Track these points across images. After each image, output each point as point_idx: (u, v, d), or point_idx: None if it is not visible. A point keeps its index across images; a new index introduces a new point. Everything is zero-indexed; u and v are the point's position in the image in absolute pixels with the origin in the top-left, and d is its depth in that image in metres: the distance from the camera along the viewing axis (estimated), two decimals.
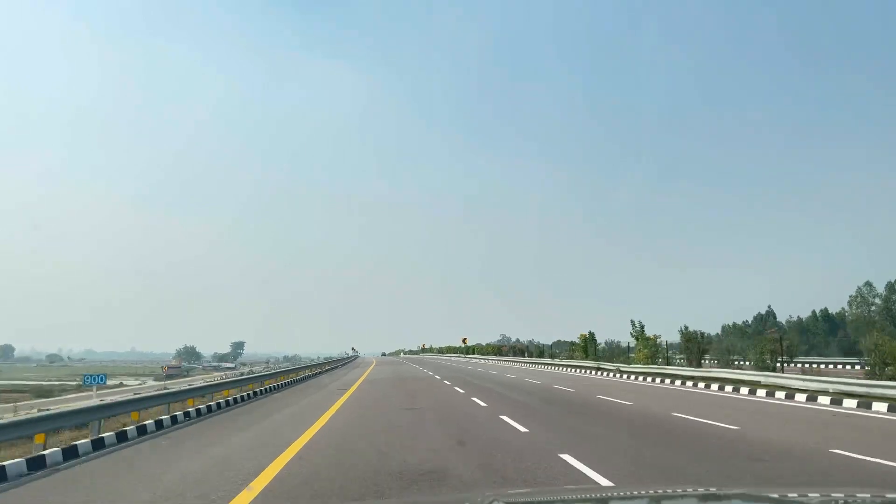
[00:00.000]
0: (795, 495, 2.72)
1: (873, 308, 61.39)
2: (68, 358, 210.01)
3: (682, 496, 2.87)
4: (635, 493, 3.25)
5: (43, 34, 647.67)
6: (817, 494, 2.94)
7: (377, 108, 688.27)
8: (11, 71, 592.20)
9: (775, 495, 2.72)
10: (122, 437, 11.94)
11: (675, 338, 30.35)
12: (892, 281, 60.68)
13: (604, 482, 7.14)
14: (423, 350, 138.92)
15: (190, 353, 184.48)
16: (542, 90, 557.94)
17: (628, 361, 33.04)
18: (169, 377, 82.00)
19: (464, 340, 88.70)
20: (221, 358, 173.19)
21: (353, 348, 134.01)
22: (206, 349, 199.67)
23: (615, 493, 3.52)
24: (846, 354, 48.49)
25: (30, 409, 23.39)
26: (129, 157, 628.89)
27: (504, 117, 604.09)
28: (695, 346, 26.22)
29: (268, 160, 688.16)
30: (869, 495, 2.55)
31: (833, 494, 3.00)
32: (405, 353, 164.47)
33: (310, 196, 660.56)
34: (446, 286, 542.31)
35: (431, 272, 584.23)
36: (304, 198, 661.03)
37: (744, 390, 21.19)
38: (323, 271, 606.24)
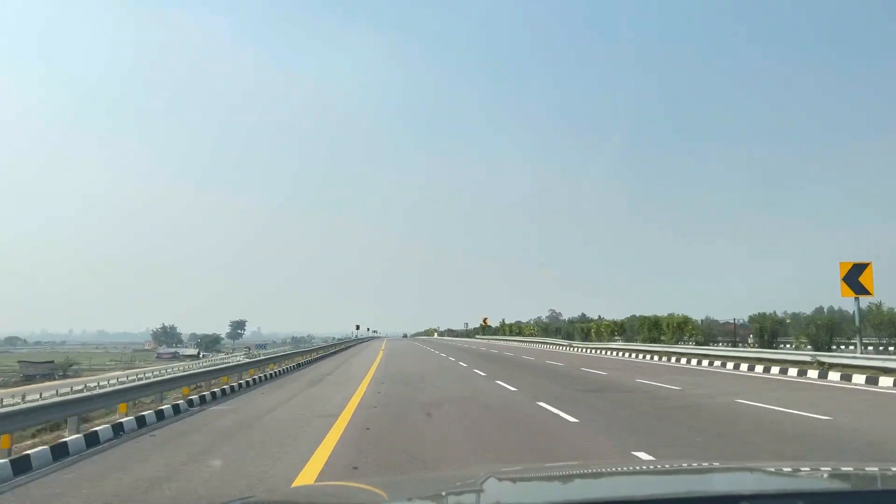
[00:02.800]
0: (808, 469, 2.79)
1: None
2: (23, 342, 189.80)
3: (685, 471, 2.76)
4: (632, 468, 3.24)
5: (74, 14, 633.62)
6: (828, 468, 2.84)
7: (400, 79, 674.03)
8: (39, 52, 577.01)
9: (777, 468, 2.79)
10: None
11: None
12: None
13: None
14: (485, 328, 79.89)
15: (169, 335, 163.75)
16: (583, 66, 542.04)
17: None
18: (27, 379, 53.38)
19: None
20: (198, 342, 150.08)
21: (358, 327, 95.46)
22: (209, 329, 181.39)
23: (610, 469, 3.27)
24: None
25: None
26: (147, 135, 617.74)
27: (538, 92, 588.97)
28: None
29: (291, 136, 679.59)
30: (877, 468, 2.58)
31: (843, 468, 2.85)
32: (441, 334, 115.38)
33: (329, 170, 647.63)
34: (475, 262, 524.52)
35: (464, 249, 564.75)
36: (323, 172, 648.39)
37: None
38: (348, 244, 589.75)
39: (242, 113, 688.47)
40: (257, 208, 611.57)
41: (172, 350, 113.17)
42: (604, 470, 3.07)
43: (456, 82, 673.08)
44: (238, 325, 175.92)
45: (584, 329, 44.47)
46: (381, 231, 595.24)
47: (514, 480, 2.63)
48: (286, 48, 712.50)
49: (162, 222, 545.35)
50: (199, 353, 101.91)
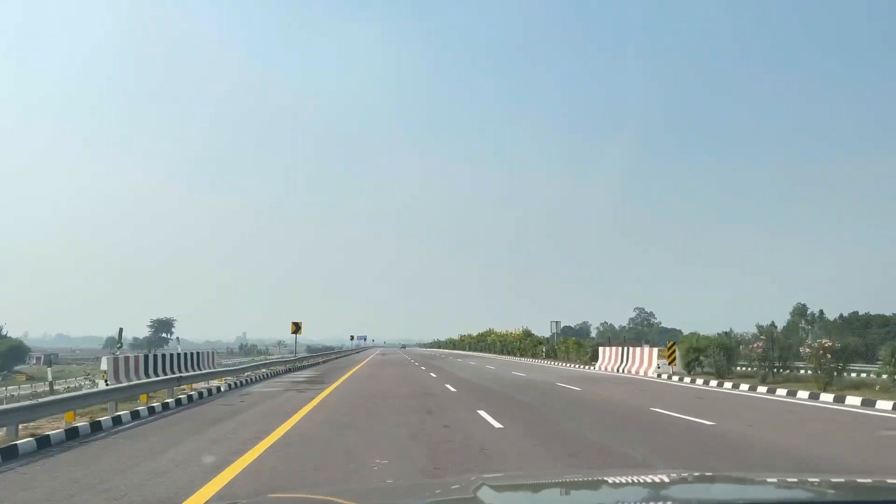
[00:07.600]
0: (794, 480, 2.88)
1: None
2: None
3: (686, 481, 2.74)
4: (630, 479, 3.08)
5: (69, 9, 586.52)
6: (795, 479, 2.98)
7: (399, 74, 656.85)
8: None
9: (781, 479, 2.85)
10: None
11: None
12: None
13: None
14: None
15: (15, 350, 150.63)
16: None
17: None
18: None
19: None
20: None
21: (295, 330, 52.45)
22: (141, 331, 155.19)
23: (609, 479, 3.07)
24: None
25: None
26: (149, 134, 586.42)
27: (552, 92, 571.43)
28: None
29: (302, 134, 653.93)
30: (843, 479, 2.73)
31: (810, 479, 2.93)
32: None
33: (321, 169, 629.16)
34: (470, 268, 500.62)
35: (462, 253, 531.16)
36: (319, 171, 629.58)
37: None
38: (345, 248, 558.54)
39: (228, 110, 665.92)
40: (269, 207, 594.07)
41: None
42: (599, 478, 3.08)
43: (453, 75, 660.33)
44: (163, 327, 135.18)
45: None
46: (396, 236, 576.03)
47: (508, 488, 2.62)
48: (276, 42, 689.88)
49: (149, 223, 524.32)
50: None
